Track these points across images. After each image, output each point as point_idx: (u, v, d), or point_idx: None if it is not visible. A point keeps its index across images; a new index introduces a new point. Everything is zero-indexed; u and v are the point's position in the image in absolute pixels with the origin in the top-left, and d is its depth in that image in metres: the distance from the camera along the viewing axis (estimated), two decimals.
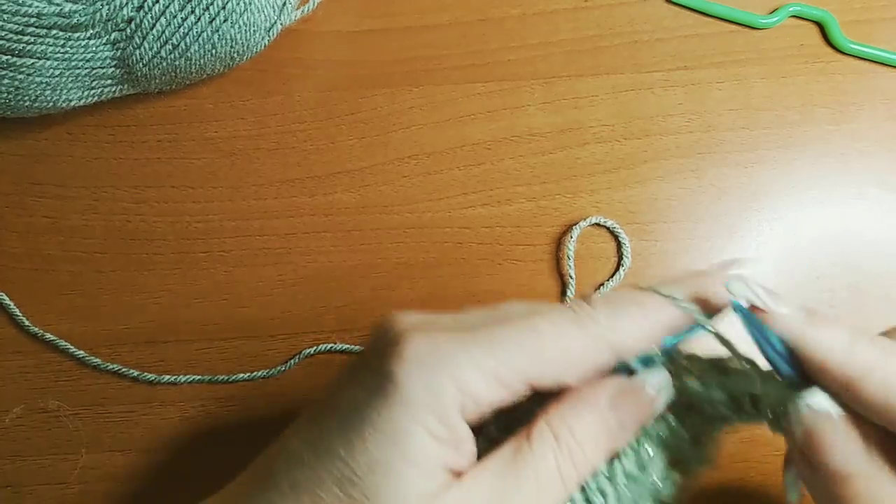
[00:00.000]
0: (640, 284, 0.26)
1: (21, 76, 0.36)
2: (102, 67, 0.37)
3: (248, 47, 0.39)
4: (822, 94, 0.43)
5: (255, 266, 0.41)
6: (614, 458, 0.26)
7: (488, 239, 0.41)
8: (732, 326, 0.25)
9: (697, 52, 0.43)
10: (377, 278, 0.41)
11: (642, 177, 0.42)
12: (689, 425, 0.27)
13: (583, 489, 0.25)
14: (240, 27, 0.37)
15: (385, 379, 0.23)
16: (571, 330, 0.25)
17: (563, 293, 0.41)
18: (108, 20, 0.36)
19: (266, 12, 0.38)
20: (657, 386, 0.26)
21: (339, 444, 0.23)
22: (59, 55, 0.36)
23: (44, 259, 0.40)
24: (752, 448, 0.39)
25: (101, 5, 0.35)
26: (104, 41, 0.37)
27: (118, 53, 0.37)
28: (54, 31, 0.36)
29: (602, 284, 0.41)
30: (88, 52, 0.37)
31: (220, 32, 0.37)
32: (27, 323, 0.40)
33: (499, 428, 0.26)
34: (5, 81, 0.36)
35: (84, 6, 0.35)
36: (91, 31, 0.36)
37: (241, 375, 0.40)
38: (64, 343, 0.40)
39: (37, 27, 0.35)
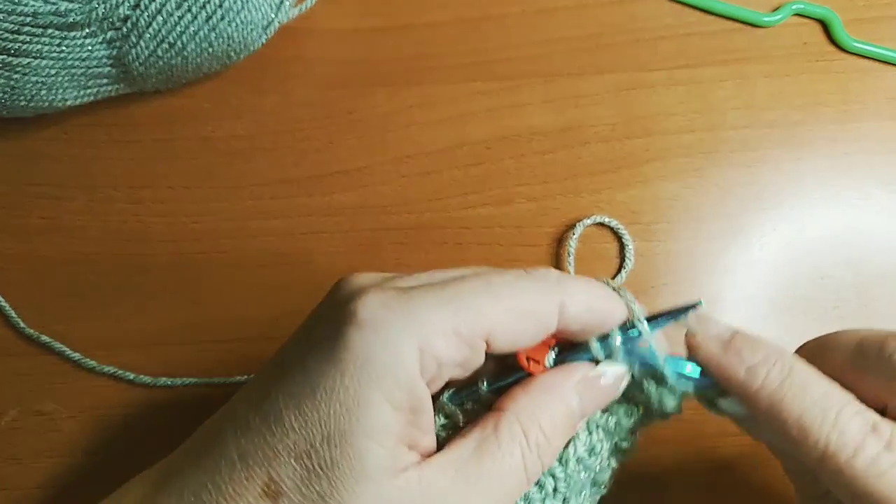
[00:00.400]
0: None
1: (17, 75, 0.36)
2: (98, 66, 0.37)
3: (244, 46, 0.38)
4: (826, 92, 0.43)
5: (252, 267, 0.40)
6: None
7: (488, 239, 0.41)
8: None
9: (700, 50, 0.43)
10: None
11: (644, 176, 0.41)
12: (632, 416, 0.28)
13: None
14: (236, 25, 0.37)
15: (338, 341, 0.22)
16: (526, 287, 0.25)
17: None
18: (104, 19, 0.36)
19: (263, 10, 0.38)
20: (618, 376, 0.26)
21: (292, 414, 0.22)
22: (55, 54, 0.36)
23: (39, 260, 0.40)
24: (751, 447, 0.39)
25: (97, 4, 0.35)
26: (100, 40, 0.36)
27: (114, 52, 0.37)
28: (50, 30, 0.35)
29: None
30: (84, 51, 0.36)
31: (217, 31, 0.37)
32: (23, 325, 0.39)
33: (453, 401, 0.26)
34: (1, 81, 0.36)
35: (80, 5, 0.35)
36: (87, 30, 0.36)
37: (239, 377, 0.39)
38: (60, 345, 0.39)
39: (33, 26, 0.35)
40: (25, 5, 0.35)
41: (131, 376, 0.39)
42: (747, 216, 0.41)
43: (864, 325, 0.40)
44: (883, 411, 0.25)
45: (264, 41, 0.40)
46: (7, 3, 0.34)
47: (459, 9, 0.43)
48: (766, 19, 0.43)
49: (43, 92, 0.37)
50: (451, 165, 0.41)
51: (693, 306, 0.27)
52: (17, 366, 0.39)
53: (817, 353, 0.27)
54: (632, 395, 0.27)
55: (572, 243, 0.40)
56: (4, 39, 0.35)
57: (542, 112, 0.42)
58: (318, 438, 0.22)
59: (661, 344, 0.27)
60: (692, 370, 0.27)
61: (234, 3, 0.36)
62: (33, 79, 0.36)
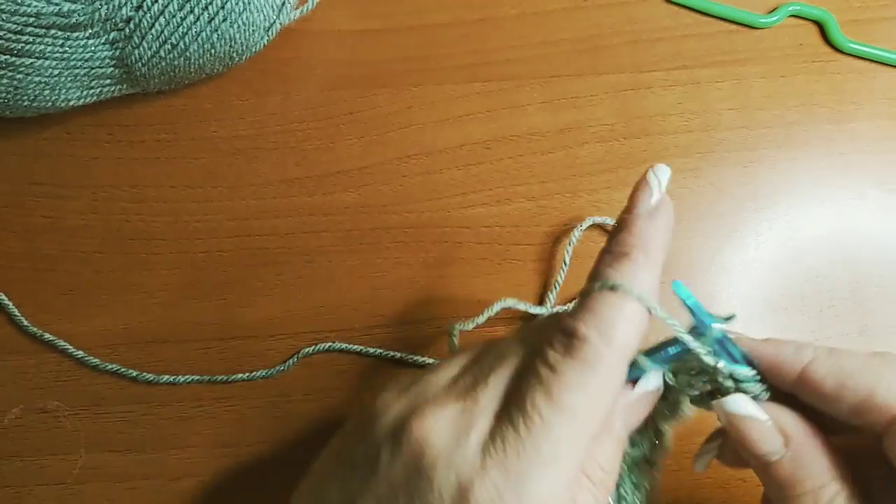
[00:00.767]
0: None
1: (20, 76, 0.36)
2: (101, 67, 0.37)
3: (247, 47, 0.39)
4: (822, 93, 0.43)
5: (254, 266, 0.41)
6: None
7: (487, 239, 0.41)
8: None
9: (697, 51, 0.43)
10: (376, 278, 0.41)
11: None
12: (671, 402, 0.28)
13: None
14: (239, 27, 0.37)
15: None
16: (591, 382, 0.24)
17: (543, 296, 0.40)
18: (107, 20, 0.36)
19: (265, 12, 0.38)
20: (657, 387, 0.27)
21: None
22: (57, 55, 0.36)
23: (43, 259, 0.40)
24: None
25: (100, 5, 0.35)
26: (103, 41, 0.37)
27: (117, 53, 0.37)
28: (53, 31, 0.36)
29: None
30: (87, 52, 0.37)
31: (219, 32, 0.37)
32: (26, 323, 0.40)
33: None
34: (4, 81, 0.36)
35: (83, 6, 0.35)
36: (90, 31, 0.36)
37: (240, 375, 0.40)
38: (63, 343, 0.39)
39: (35, 27, 0.35)
40: (28, 6, 0.35)
41: (134, 374, 0.39)
42: (743, 216, 0.42)
43: (859, 323, 0.41)
44: None
45: (266, 42, 0.40)
46: (10, 3, 0.34)
47: (459, 10, 0.43)
48: (763, 21, 0.43)
49: (46, 92, 0.37)
50: (451, 165, 0.42)
51: (728, 318, 0.27)
52: (20, 364, 0.40)
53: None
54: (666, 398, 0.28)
55: (569, 248, 0.40)
56: (7, 40, 0.35)
57: (540, 112, 0.42)
58: None
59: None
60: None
61: (237, 4, 0.36)
62: (36, 79, 0.36)
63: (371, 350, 0.40)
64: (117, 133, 0.42)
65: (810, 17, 0.44)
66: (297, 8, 0.41)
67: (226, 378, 0.39)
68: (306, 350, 0.40)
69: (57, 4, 0.35)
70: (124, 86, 0.39)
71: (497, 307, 0.38)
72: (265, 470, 0.39)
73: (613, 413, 0.26)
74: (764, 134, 0.42)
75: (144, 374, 0.39)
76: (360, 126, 0.42)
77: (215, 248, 0.41)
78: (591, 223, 0.41)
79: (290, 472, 0.39)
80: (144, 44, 0.37)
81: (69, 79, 0.37)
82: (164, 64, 0.38)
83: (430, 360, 0.40)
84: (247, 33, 0.38)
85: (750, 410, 0.26)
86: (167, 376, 0.39)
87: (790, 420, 0.26)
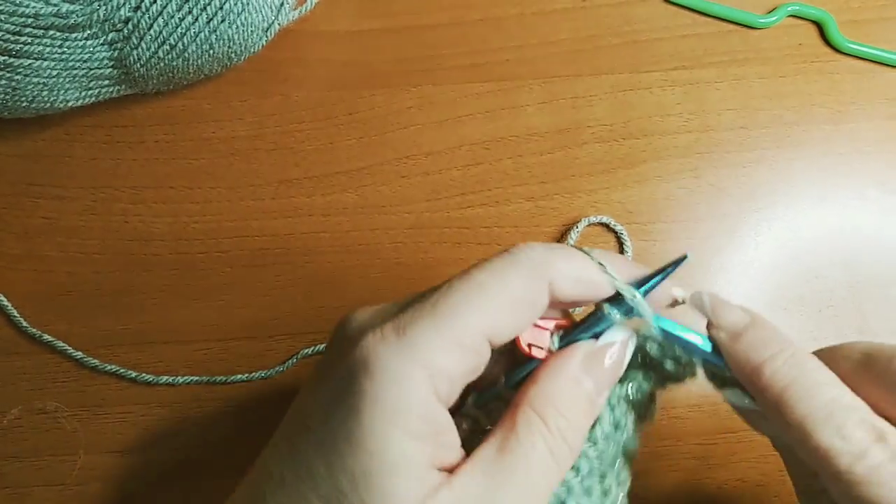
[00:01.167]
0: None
1: (18, 77, 0.36)
2: (100, 68, 0.37)
3: (245, 47, 0.39)
4: (821, 93, 0.43)
5: (253, 266, 0.41)
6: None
7: (487, 239, 0.41)
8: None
9: (696, 51, 0.43)
10: (376, 279, 0.41)
11: (641, 176, 0.42)
12: (649, 382, 0.27)
13: None
14: (237, 27, 0.37)
15: (350, 388, 0.23)
16: (513, 276, 0.24)
17: None
18: (106, 21, 0.36)
19: (264, 12, 0.38)
20: (621, 343, 0.26)
21: (319, 464, 0.23)
22: (56, 56, 0.36)
23: (42, 260, 0.40)
24: (751, 448, 0.39)
25: (99, 6, 0.35)
26: (101, 41, 0.37)
27: (115, 54, 0.37)
28: (51, 32, 0.36)
29: None
30: (86, 53, 0.37)
31: (218, 33, 0.37)
32: (25, 324, 0.40)
33: (476, 405, 0.26)
34: (2, 82, 0.36)
35: (81, 7, 0.35)
36: (88, 32, 0.36)
37: (240, 376, 0.40)
38: (62, 344, 0.39)
39: (34, 28, 0.35)
40: (27, 7, 0.35)
41: (133, 375, 0.39)
42: (742, 216, 0.42)
43: (857, 324, 0.41)
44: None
45: (265, 43, 0.40)
46: (8, 4, 0.34)
47: (458, 11, 0.43)
48: (762, 21, 0.43)
49: (44, 93, 0.37)
50: (450, 166, 0.42)
51: (680, 261, 0.26)
52: (20, 365, 0.40)
53: (824, 361, 0.26)
54: (646, 361, 0.27)
55: (570, 244, 0.40)
56: (6, 41, 0.35)
57: (539, 113, 0.42)
58: (347, 484, 0.22)
59: (646, 308, 0.26)
60: (703, 342, 0.26)
61: (235, 5, 0.36)
62: (35, 80, 0.36)
63: None
64: (116, 134, 0.42)
65: (809, 17, 0.44)
66: (295, 9, 0.41)
67: (225, 379, 0.39)
68: (305, 351, 0.40)
69: (55, 5, 0.35)
70: (123, 87, 0.39)
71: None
72: None
73: (570, 355, 0.25)
74: (763, 134, 0.42)
75: (143, 374, 0.39)
76: (359, 126, 0.42)
77: (214, 248, 0.41)
78: (588, 223, 0.41)
79: None
80: (143, 44, 0.37)
81: (68, 80, 0.37)
82: (162, 65, 0.38)
83: None
84: (245, 34, 0.38)
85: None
86: (166, 377, 0.39)
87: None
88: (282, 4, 0.39)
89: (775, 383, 0.24)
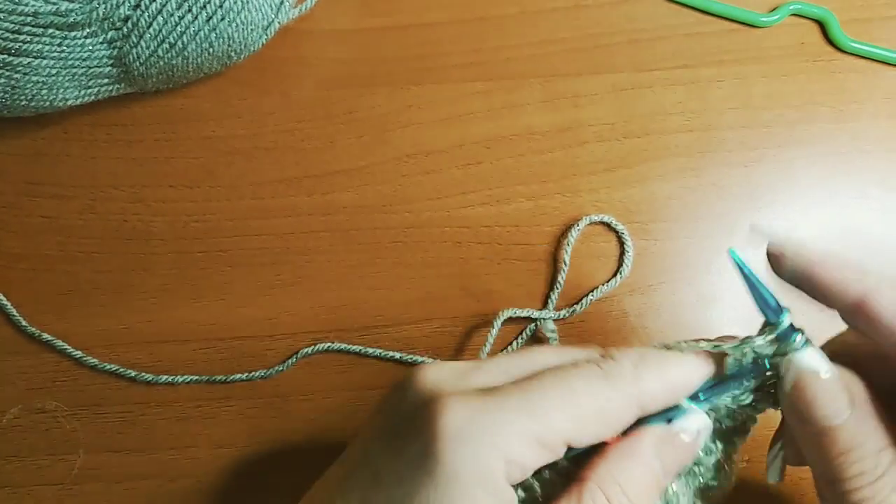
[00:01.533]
0: (665, 343, 0.28)
1: (17, 75, 0.36)
2: (99, 66, 0.37)
3: (245, 46, 0.39)
4: (823, 92, 0.43)
5: (252, 266, 0.40)
6: None
7: (487, 238, 0.41)
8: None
9: (697, 50, 0.43)
10: (376, 278, 0.40)
11: (642, 176, 0.42)
12: (712, 451, 0.27)
13: None
14: (237, 26, 0.37)
15: (428, 456, 0.23)
16: (604, 388, 0.25)
17: (548, 295, 0.40)
18: (105, 19, 0.36)
19: (263, 11, 0.38)
20: (696, 428, 0.26)
21: None
22: (55, 54, 0.36)
23: (41, 259, 0.40)
24: (751, 448, 0.39)
25: (98, 4, 0.35)
26: (101, 40, 0.36)
27: (115, 52, 0.37)
28: (51, 30, 0.35)
29: (605, 283, 0.40)
30: (85, 51, 0.37)
31: (218, 31, 0.37)
32: (24, 323, 0.40)
33: (531, 475, 0.26)
34: (1, 81, 0.36)
35: (80, 5, 0.35)
36: (88, 30, 0.36)
37: (239, 375, 0.39)
38: (61, 343, 0.39)
39: (33, 26, 0.35)
40: (26, 5, 0.35)
41: (132, 374, 0.39)
42: (744, 215, 0.42)
43: None
44: None
45: (265, 41, 0.40)
46: (8, 2, 0.34)
47: (458, 9, 0.43)
48: (764, 20, 0.43)
49: (44, 92, 0.37)
50: (451, 165, 0.42)
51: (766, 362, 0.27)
52: (19, 364, 0.40)
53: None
54: (722, 417, 0.27)
55: (568, 247, 0.40)
56: (5, 39, 0.35)
57: (540, 112, 0.42)
58: None
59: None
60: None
61: (235, 3, 0.36)
62: (34, 78, 0.36)
63: (370, 350, 0.40)
64: (115, 133, 0.41)
65: (811, 16, 0.43)
66: (295, 7, 0.41)
67: (224, 378, 0.39)
68: (305, 350, 0.40)
69: (55, 3, 0.35)
70: (122, 85, 0.39)
71: (499, 323, 0.38)
72: (264, 470, 0.39)
73: (643, 436, 0.26)
74: (765, 133, 0.42)
75: (143, 374, 0.39)
76: (359, 125, 0.42)
77: (214, 247, 0.41)
78: (589, 222, 0.40)
79: (288, 472, 0.39)
80: (142, 43, 0.37)
81: (67, 78, 0.37)
82: (162, 63, 0.38)
83: (429, 360, 0.40)
84: (245, 32, 0.38)
85: (821, 364, 0.25)
86: (166, 376, 0.39)
87: (854, 380, 0.26)
88: (282, 3, 0.39)
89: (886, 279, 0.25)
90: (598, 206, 0.41)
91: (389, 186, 0.41)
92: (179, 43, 0.37)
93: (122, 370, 0.39)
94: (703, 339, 0.28)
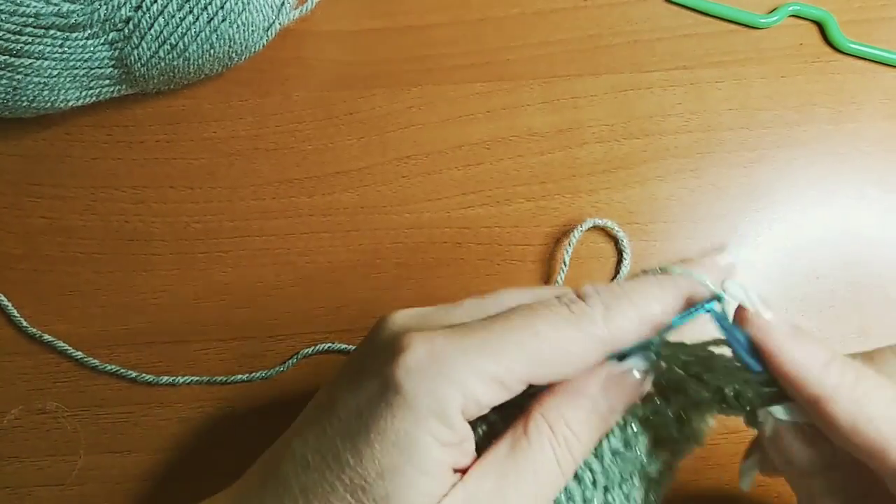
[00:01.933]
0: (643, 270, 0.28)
1: (19, 76, 0.36)
2: (100, 67, 0.37)
3: (246, 47, 0.39)
4: (822, 93, 0.43)
5: (253, 266, 0.40)
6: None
7: (487, 239, 0.41)
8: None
9: (697, 51, 0.43)
10: (376, 278, 0.41)
11: (641, 177, 0.42)
12: (674, 406, 0.27)
13: None
14: (238, 27, 0.37)
15: (388, 387, 0.24)
16: (569, 332, 0.25)
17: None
18: (106, 20, 0.36)
19: (264, 12, 0.38)
20: (644, 369, 0.26)
21: (348, 452, 0.24)
22: (56, 55, 0.36)
23: (42, 260, 0.40)
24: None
25: (99, 5, 0.35)
26: (102, 41, 0.37)
27: (116, 53, 0.37)
28: (52, 31, 0.36)
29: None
30: (86, 52, 0.37)
31: (219, 32, 0.37)
32: (25, 324, 0.40)
33: (495, 410, 0.26)
34: (3, 81, 0.36)
35: (82, 6, 0.35)
36: (89, 31, 0.36)
37: (240, 376, 0.40)
38: (62, 344, 0.39)
39: (34, 27, 0.35)
40: (27, 6, 0.35)
41: (133, 375, 0.39)
42: (743, 216, 0.42)
43: (859, 324, 0.41)
44: None
45: (265, 43, 0.40)
46: (9, 3, 0.34)
47: (458, 10, 0.43)
48: (763, 21, 0.43)
49: (45, 93, 0.37)
50: (451, 166, 0.42)
51: (719, 298, 0.26)
52: (20, 365, 0.40)
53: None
54: (671, 386, 0.27)
55: (568, 250, 0.40)
56: (6, 40, 0.35)
57: (540, 113, 0.42)
58: (373, 474, 0.23)
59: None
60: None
61: (236, 5, 0.36)
62: (35, 79, 0.36)
63: None
64: (116, 134, 0.42)
65: (810, 17, 0.43)
66: (296, 8, 0.41)
67: (225, 379, 0.39)
68: (305, 351, 0.40)
69: (56, 5, 0.35)
70: (123, 86, 0.39)
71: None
72: None
73: (592, 378, 0.26)
74: (764, 134, 0.42)
75: (144, 375, 0.39)
76: (360, 126, 0.42)
77: (215, 248, 0.41)
78: (592, 225, 0.40)
79: None
80: (144, 44, 0.37)
81: (68, 79, 0.37)
82: (163, 64, 0.38)
83: None
84: (246, 34, 0.38)
85: (797, 417, 0.25)
86: (166, 377, 0.39)
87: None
88: (282, 4, 0.39)
89: (845, 384, 0.24)
90: (597, 207, 0.41)
91: (390, 187, 0.41)
92: (181, 44, 0.37)
93: (122, 371, 0.39)
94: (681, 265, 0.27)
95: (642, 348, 0.26)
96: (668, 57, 0.43)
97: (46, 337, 0.39)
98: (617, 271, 0.41)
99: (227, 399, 0.40)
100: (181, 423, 0.39)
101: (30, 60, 0.36)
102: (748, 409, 0.26)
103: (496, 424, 0.27)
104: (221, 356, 0.40)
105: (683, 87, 0.43)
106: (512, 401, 0.26)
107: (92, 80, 0.38)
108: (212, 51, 0.38)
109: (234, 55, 0.39)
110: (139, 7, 0.36)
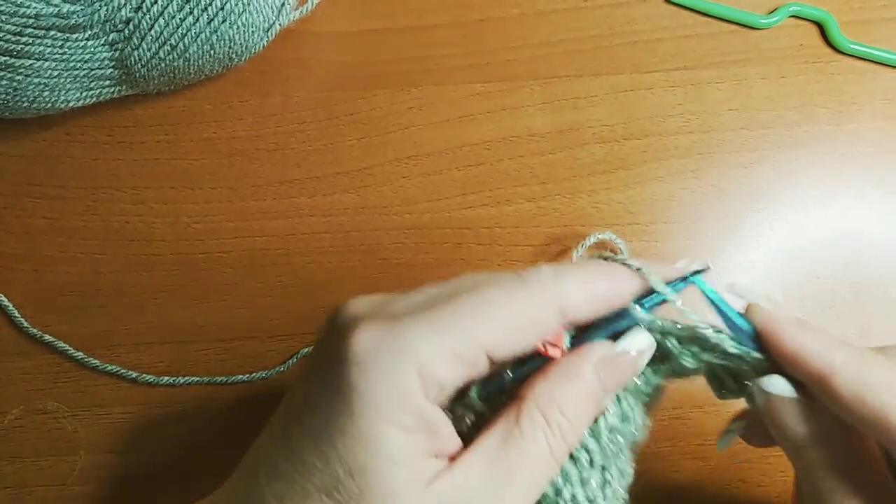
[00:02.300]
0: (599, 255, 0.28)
1: (19, 77, 0.36)
2: (101, 68, 0.37)
3: (246, 48, 0.39)
4: (822, 94, 0.43)
5: (253, 267, 0.41)
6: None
7: (487, 239, 0.41)
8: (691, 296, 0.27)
9: (697, 52, 0.43)
10: (376, 279, 0.41)
11: (642, 177, 0.42)
12: (660, 375, 0.27)
13: None
14: (238, 28, 0.37)
15: (342, 381, 0.23)
16: (521, 296, 0.25)
17: None
18: (107, 21, 0.36)
19: (264, 13, 0.38)
20: (640, 349, 0.26)
21: (314, 456, 0.23)
22: (57, 56, 0.36)
23: (42, 260, 0.40)
24: (752, 448, 0.39)
25: (100, 6, 0.35)
26: (102, 42, 0.37)
27: (116, 54, 0.37)
28: (52, 32, 0.36)
29: None
30: (87, 53, 0.37)
31: (219, 33, 0.37)
32: (26, 324, 0.40)
33: (480, 397, 0.26)
34: (3, 82, 0.36)
35: (82, 7, 0.35)
36: (89, 32, 0.36)
37: (240, 376, 0.40)
38: (63, 344, 0.39)
39: (35, 28, 0.35)
40: (28, 7, 0.35)
41: (133, 375, 0.39)
42: (744, 216, 0.42)
43: (859, 324, 0.41)
44: None
45: (266, 44, 0.40)
46: (9, 4, 0.34)
47: (459, 11, 0.43)
48: (763, 21, 0.43)
49: (45, 93, 0.37)
50: (451, 166, 0.42)
51: (703, 270, 0.27)
52: (20, 365, 0.40)
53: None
54: (659, 354, 0.27)
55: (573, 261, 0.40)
56: (7, 41, 0.35)
57: (540, 113, 0.42)
58: (342, 473, 0.23)
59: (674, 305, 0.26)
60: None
61: (236, 6, 0.37)
62: (36, 80, 0.36)
63: None
64: (117, 134, 0.42)
65: (810, 17, 0.43)
66: (296, 9, 0.41)
67: (225, 379, 0.40)
68: (305, 351, 0.40)
69: (56, 6, 0.35)
70: (124, 87, 0.39)
71: None
72: None
73: (585, 358, 0.25)
74: (764, 135, 0.42)
75: (144, 375, 0.39)
76: (360, 127, 0.42)
77: (215, 249, 0.41)
78: (594, 241, 0.40)
79: None
80: (144, 45, 0.37)
81: (69, 80, 0.37)
82: (163, 65, 0.38)
83: None
84: (246, 34, 0.38)
85: (785, 389, 0.25)
86: (167, 378, 0.39)
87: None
88: (282, 5, 0.39)
89: (850, 366, 0.24)
90: (597, 208, 0.41)
91: (390, 188, 0.41)
92: (181, 45, 0.37)
93: (123, 371, 0.39)
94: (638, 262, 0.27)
95: (633, 322, 0.26)
96: (668, 57, 0.43)
97: (47, 337, 0.39)
98: None
99: (227, 399, 0.40)
100: (181, 423, 0.39)
101: (30, 61, 0.36)
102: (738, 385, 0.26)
103: (484, 414, 0.26)
104: (222, 356, 0.40)
105: (684, 88, 0.43)
106: (500, 388, 0.26)
107: (92, 81, 0.38)
108: (212, 52, 0.38)
109: (234, 56, 0.39)
110: (139, 8, 0.36)
